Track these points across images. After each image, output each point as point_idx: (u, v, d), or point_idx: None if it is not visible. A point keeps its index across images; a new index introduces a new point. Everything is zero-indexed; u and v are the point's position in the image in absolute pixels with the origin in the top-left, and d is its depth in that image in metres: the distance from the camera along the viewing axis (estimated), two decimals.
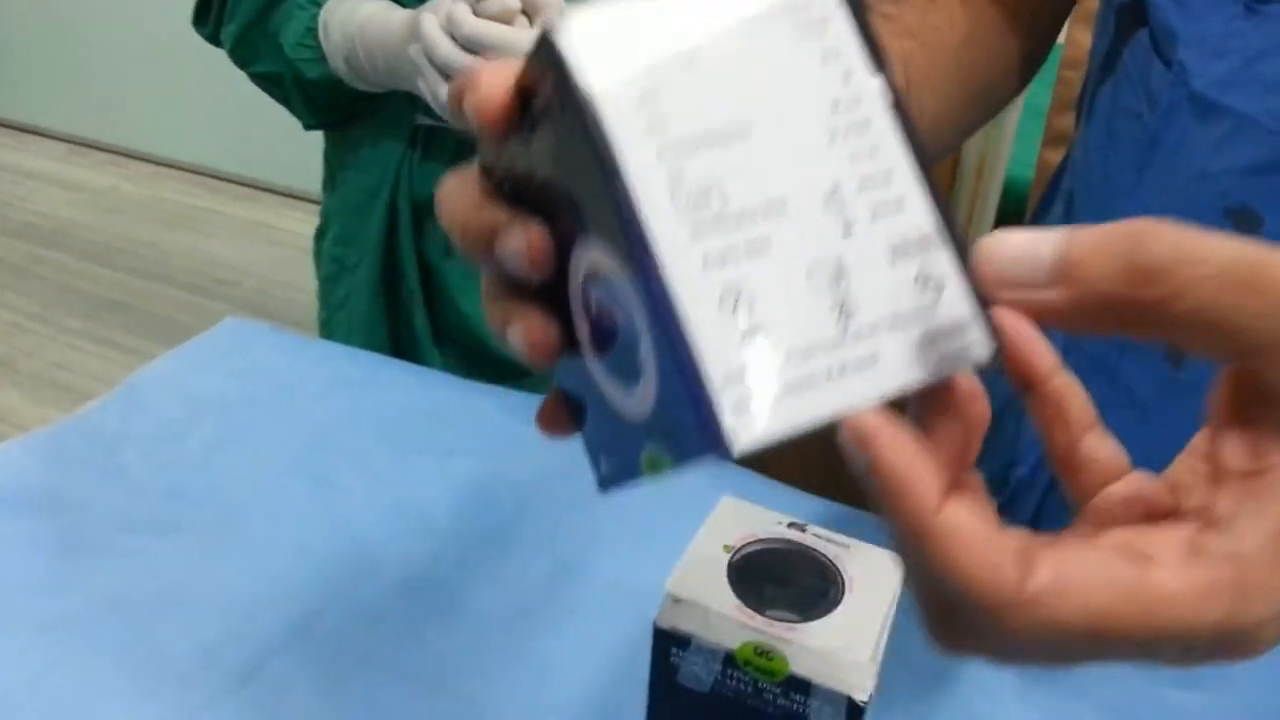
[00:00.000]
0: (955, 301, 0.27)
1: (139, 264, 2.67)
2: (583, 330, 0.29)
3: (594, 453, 0.32)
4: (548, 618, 0.60)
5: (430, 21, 0.75)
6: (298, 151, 1.93)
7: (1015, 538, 0.26)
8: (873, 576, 0.45)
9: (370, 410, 0.75)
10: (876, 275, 0.26)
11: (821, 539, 0.47)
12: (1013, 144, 1.41)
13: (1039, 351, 0.28)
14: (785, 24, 0.26)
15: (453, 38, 0.74)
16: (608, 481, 0.31)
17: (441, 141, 0.86)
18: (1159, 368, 0.59)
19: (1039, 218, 0.74)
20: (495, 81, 0.28)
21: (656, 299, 0.24)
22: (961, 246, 0.27)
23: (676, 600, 0.44)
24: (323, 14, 0.85)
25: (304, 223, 2.76)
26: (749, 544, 0.47)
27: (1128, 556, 0.26)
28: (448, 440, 0.72)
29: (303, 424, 0.73)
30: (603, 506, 0.67)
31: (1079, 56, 1.01)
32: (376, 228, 0.88)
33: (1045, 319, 0.26)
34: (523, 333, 0.30)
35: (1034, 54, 0.66)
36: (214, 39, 0.93)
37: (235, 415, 0.74)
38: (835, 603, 0.44)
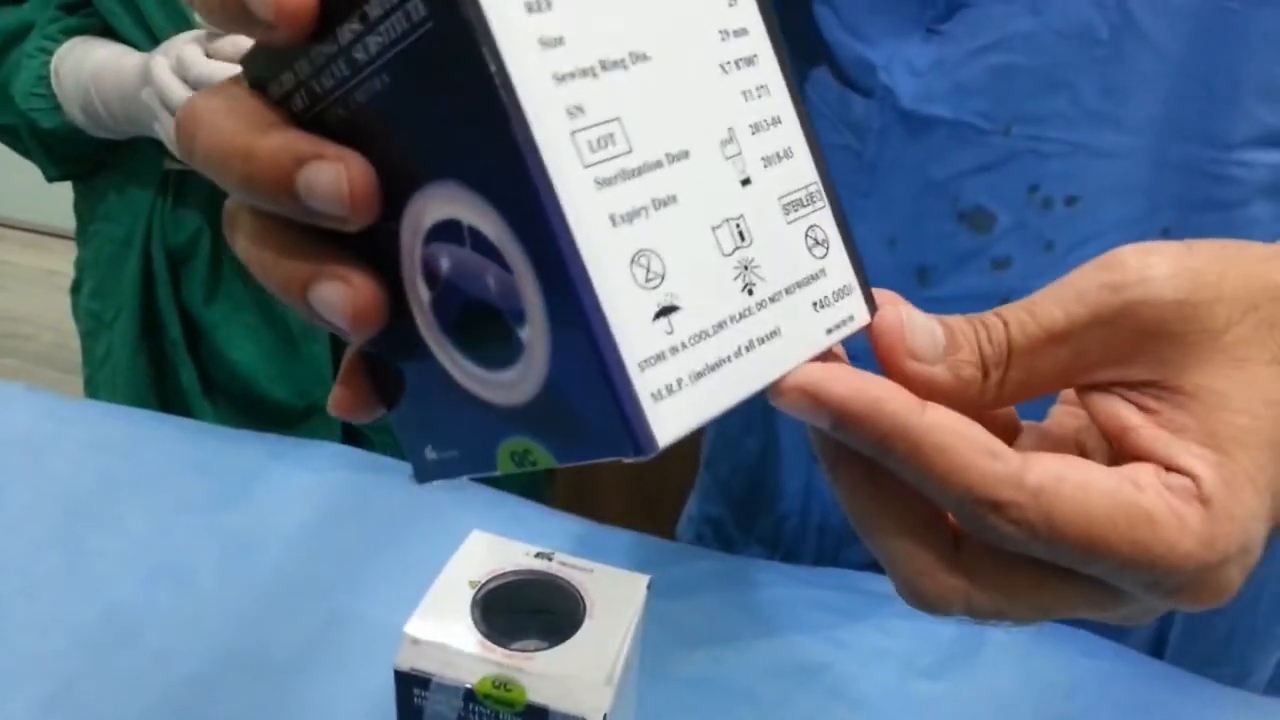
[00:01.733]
0: (840, 263, 0.25)
1: None
2: (419, 296, 0.24)
3: (415, 438, 0.27)
4: (318, 670, 0.59)
5: (161, 64, 0.73)
6: None
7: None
8: (614, 598, 0.46)
9: (130, 470, 0.72)
10: (775, 234, 0.24)
11: (567, 566, 0.48)
12: None
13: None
14: None
15: (185, 80, 0.72)
16: (433, 473, 0.27)
17: (194, 187, 0.83)
18: (910, 287, 0.61)
19: None
20: None
21: (562, 271, 0.20)
22: (836, 201, 0.26)
23: (415, 641, 0.44)
24: (54, 61, 0.82)
25: None
26: (495, 577, 0.47)
27: (1119, 473, 0.25)
28: (213, 494, 0.70)
29: (58, 490, 0.70)
30: (378, 551, 0.66)
31: None
32: (132, 279, 0.84)
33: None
34: (342, 294, 0.23)
35: None
36: None
37: None
38: (576, 627, 0.45)
